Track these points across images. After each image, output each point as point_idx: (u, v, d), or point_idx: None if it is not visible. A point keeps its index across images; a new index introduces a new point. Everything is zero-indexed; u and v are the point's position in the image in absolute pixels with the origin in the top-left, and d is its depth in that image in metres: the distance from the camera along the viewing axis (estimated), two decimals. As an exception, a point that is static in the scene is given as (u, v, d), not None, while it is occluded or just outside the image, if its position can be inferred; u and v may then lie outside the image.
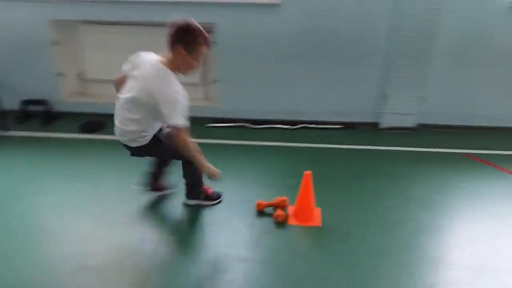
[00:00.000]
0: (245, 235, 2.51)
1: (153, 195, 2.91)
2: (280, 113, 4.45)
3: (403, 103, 4.30)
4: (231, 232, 2.53)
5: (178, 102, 2.27)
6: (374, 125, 4.47)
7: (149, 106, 2.29)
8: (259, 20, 4.09)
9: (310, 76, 4.28)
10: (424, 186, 3.18)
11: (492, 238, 2.56)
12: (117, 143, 2.53)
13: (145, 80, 2.30)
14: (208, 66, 4.40)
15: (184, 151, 2.39)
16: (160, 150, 2.56)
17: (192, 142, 2.39)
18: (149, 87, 2.27)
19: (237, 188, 3.05)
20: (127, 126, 2.40)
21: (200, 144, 2.50)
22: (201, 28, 2.29)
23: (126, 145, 2.51)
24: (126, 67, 2.45)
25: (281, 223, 2.64)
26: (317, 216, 2.71)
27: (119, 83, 2.50)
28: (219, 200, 2.88)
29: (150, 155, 2.69)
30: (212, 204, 2.84)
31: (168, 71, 2.29)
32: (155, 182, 2.87)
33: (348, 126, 4.45)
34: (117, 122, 2.46)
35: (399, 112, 4.33)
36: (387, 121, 4.39)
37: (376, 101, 4.38)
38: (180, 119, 2.29)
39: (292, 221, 2.67)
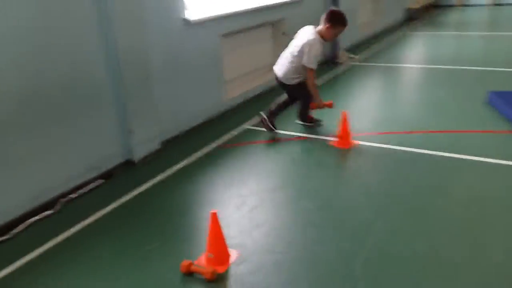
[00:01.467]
0: None
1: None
2: (30, 200, 3.28)
3: (146, 129, 4.18)
4: None
5: (317, 56, 4.13)
6: (129, 162, 4.12)
7: (299, 56, 4.14)
8: None
9: (41, 142, 3.34)
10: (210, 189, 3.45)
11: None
12: None
13: (300, 39, 4.20)
14: None
15: (310, 86, 4.25)
16: (300, 91, 4.38)
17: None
18: (302, 43, 4.12)
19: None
20: (286, 70, 4.29)
21: None
22: (344, 16, 4.14)
23: (282, 82, 4.40)
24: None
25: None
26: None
27: None
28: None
29: (293, 93, 4.46)
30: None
31: (317, 35, 4.12)
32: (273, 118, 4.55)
33: (108, 176, 3.89)
34: (277, 67, 4.43)
35: (146, 139, 4.20)
36: (139, 153, 4.15)
37: (122, 139, 4.03)
38: (313, 65, 4.13)
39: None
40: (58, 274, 2.63)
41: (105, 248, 2.87)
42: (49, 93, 3.34)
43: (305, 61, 4.10)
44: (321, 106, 4.42)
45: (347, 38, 7.92)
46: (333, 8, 4.36)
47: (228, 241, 2.68)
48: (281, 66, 4.34)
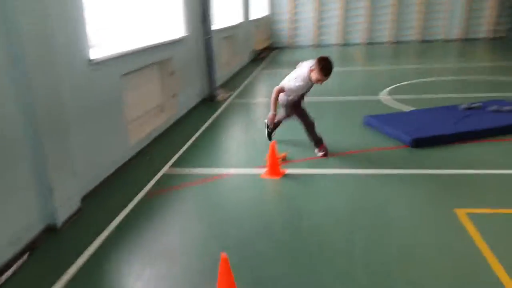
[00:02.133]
0: None
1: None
2: None
3: (67, 186, 3.67)
4: None
5: (292, 89, 4.80)
6: (51, 228, 3.53)
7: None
8: None
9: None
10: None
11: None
12: None
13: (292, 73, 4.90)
14: None
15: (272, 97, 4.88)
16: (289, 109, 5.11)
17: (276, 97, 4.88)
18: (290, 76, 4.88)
19: None
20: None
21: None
22: (329, 65, 4.47)
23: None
24: None
25: None
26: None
27: None
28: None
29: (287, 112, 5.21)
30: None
31: (305, 74, 4.66)
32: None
33: (32, 248, 3.27)
34: None
35: (67, 198, 3.68)
36: (61, 215, 3.61)
37: (42, 200, 3.46)
38: (279, 88, 4.87)
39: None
40: None
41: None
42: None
43: (282, 84, 4.91)
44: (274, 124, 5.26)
45: (217, 77, 8.44)
46: (324, 56, 4.53)
47: None
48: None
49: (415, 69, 10.82)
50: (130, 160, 5.03)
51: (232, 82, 10.07)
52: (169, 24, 6.99)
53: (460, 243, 3.14)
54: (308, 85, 4.74)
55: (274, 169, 4.47)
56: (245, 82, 10.10)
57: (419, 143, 4.99)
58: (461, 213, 3.51)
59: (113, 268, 3.09)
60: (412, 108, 6.68)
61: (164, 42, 6.31)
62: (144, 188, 4.30)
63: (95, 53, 4.38)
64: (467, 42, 16.13)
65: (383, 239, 3.24)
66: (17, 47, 3.15)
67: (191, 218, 3.77)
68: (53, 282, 2.91)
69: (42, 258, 3.23)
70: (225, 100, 8.26)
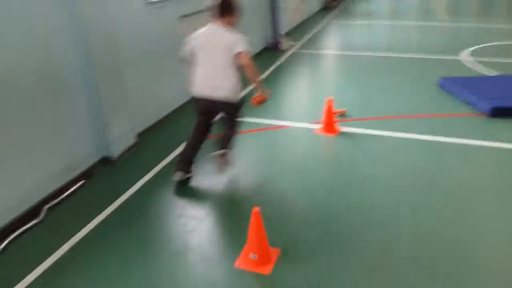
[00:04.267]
0: None
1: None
2: (11, 209, 2.74)
3: (121, 123, 3.75)
4: None
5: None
6: (107, 160, 3.67)
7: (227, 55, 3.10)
8: None
9: (12, 143, 2.79)
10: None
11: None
12: None
13: (215, 42, 3.14)
14: None
15: (251, 73, 3.11)
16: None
17: None
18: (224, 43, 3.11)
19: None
20: (230, 81, 3.16)
21: None
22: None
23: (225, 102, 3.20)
24: None
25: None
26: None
27: None
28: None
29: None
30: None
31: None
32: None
33: (88, 176, 3.42)
34: (212, 87, 3.15)
35: (122, 133, 3.77)
36: (117, 149, 3.72)
37: (99, 135, 3.56)
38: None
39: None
40: None
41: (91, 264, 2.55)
42: (17, 87, 2.81)
43: (240, 48, 3.04)
44: (265, 99, 3.34)
45: (282, 25, 8.03)
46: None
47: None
48: (222, 81, 3.11)
49: (507, 30, 9.58)
50: (188, 103, 5.03)
51: (298, 31, 9.61)
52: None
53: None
54: None
55: (329, 125, 4.23)
56: (313, 32, 9.59)
57: (499, 112, 4.44)
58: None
59: (161, 200, 3.17)
60: (496, 73, 5.95)
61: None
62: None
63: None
64: None
65: (443, 214, 2.96)
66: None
67: (238, 165, 3.70)
68: (106, 207, 3.07)
69: (97, 185, 3.39)
70: (289, 49, 7.92)
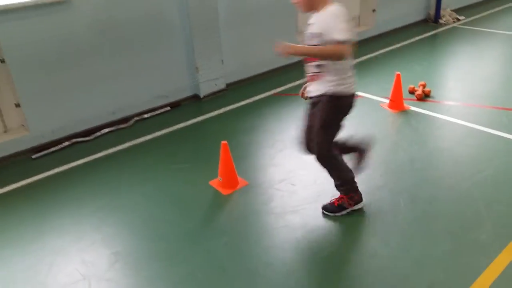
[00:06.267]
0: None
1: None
2: (109, 114, 4.19)
3: (211, 70, 4.76)
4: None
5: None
6: (196, 97, 4.80)
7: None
8: (48, 23, 3.61)
9: (121, 68, 4.15)
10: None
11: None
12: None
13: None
14: None
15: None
16: None
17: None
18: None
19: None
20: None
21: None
22: None
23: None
24: None
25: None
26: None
27: None
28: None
29: None
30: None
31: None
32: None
33: (175, 106, 4.63)
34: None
35: (211, 79, 4.79)
36: (204, 90, 4.79)
37: (190, 75, 4.68)
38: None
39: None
40: (117, 169, 3.49)
41: (149, 159, 3.64)
42: (124, 27, 4.06)
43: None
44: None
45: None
46: None
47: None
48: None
49: None
50: (288, 65, 5.54)
51: (472, 8, 8.29)
52: None
53: None
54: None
55: (396, 101, 4.16)
56: (491, 11, 8.11)
57: None
58: None
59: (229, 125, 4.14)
60: None
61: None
62: (277, 89, 4.96)
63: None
64: None
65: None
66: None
67: (288, 123, 4.19)
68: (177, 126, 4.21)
69: (179, 112, 4.54)
70: (450, 24, 7.20)
